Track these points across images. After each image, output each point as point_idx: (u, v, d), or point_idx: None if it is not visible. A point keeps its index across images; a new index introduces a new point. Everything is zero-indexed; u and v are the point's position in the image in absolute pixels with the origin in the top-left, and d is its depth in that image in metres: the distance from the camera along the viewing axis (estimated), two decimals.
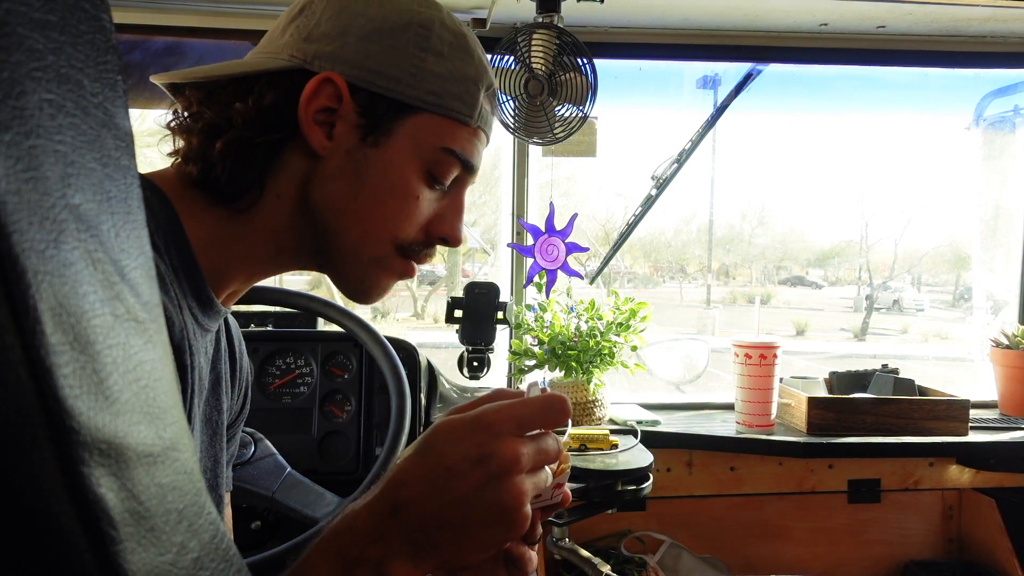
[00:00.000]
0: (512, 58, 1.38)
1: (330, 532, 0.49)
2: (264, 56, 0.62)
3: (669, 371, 1.71)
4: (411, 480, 0.47)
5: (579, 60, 1.37)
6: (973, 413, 1.55)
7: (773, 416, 1.51)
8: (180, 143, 0.62)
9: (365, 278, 0.66)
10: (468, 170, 0.67)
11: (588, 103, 1.38)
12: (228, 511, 0.81)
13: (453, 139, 0.64)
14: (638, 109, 2.29)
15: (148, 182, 0.59)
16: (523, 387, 0.52)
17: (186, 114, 0.61)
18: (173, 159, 0.62)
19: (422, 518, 0.46)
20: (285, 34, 0.62)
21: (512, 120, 1.41)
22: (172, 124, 0.62)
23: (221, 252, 0.62)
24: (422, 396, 1.41)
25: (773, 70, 1.74)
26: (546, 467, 0.50)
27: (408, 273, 0.68)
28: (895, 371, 1.66)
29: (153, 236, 0.50)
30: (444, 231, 0.67)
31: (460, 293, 1.53)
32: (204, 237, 0.60)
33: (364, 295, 0.68)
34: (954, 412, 1.50)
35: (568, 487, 0.56)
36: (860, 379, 1.68)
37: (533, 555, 0.57)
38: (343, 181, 0.61)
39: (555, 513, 1.21)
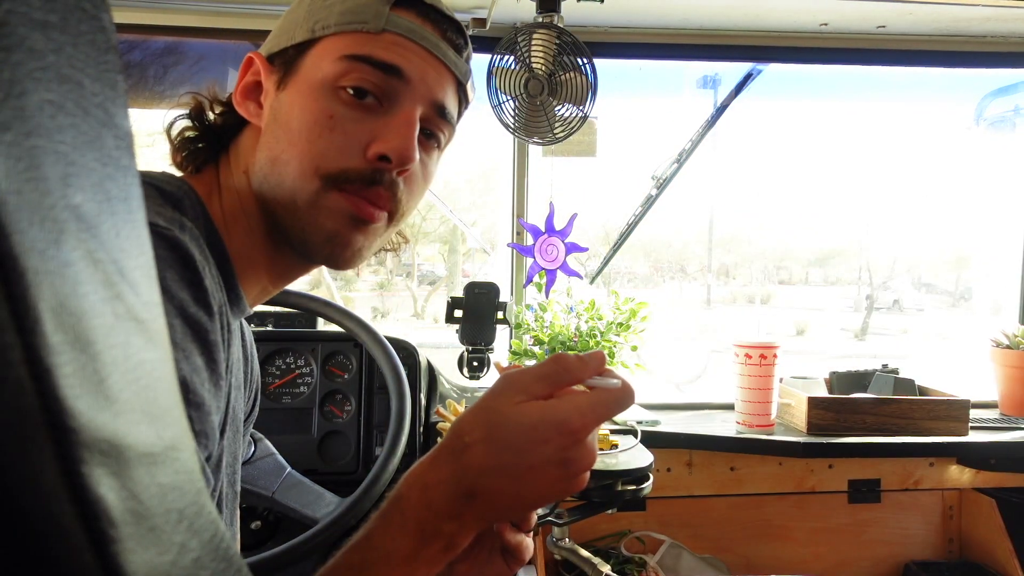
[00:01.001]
0: (512, 58, 1.38)
1: (405, 503, 0.52)
2: None
3: (670, 372, 1.71)
4: (490, 470, 0.50)
5: (579, 60, 1.37)
6: (973, 413, 1.55)
7: (773, 416, 1.51)
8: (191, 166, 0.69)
9: (312, 229, 0.62)
10: (389, 71, 0.62)
11: (588, 103, 1.38)
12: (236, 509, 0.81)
13: (354, 47, 0.62)
14: (638, 109, 2.29)
15: (182, 181, 0.63)
16: (592, 382, 0.52)
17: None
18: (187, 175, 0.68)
19: (498, 505, 0.51)
20: None
21: (512, 120, 1.41)
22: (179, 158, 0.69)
23: (229, 240, 0.64)
24: (422, 396, 1.41)
25: (774, 69, 1.74)
26: None
27: (360, 210, 0.62)
28: (895, 371, 1.66)
29: (194, 229, 0.54)
30: (381, 148, 0.61)
31: (460, 293, 1.53)
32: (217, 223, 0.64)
33: (325, 252, 0.64)
34: (954, 412, 1.50)
35: None
36: (860, 379, 1.68)
37: (529, 543, 0.59)
38: (269, 132, 0.65)
39: (555, 513, 1.22)
